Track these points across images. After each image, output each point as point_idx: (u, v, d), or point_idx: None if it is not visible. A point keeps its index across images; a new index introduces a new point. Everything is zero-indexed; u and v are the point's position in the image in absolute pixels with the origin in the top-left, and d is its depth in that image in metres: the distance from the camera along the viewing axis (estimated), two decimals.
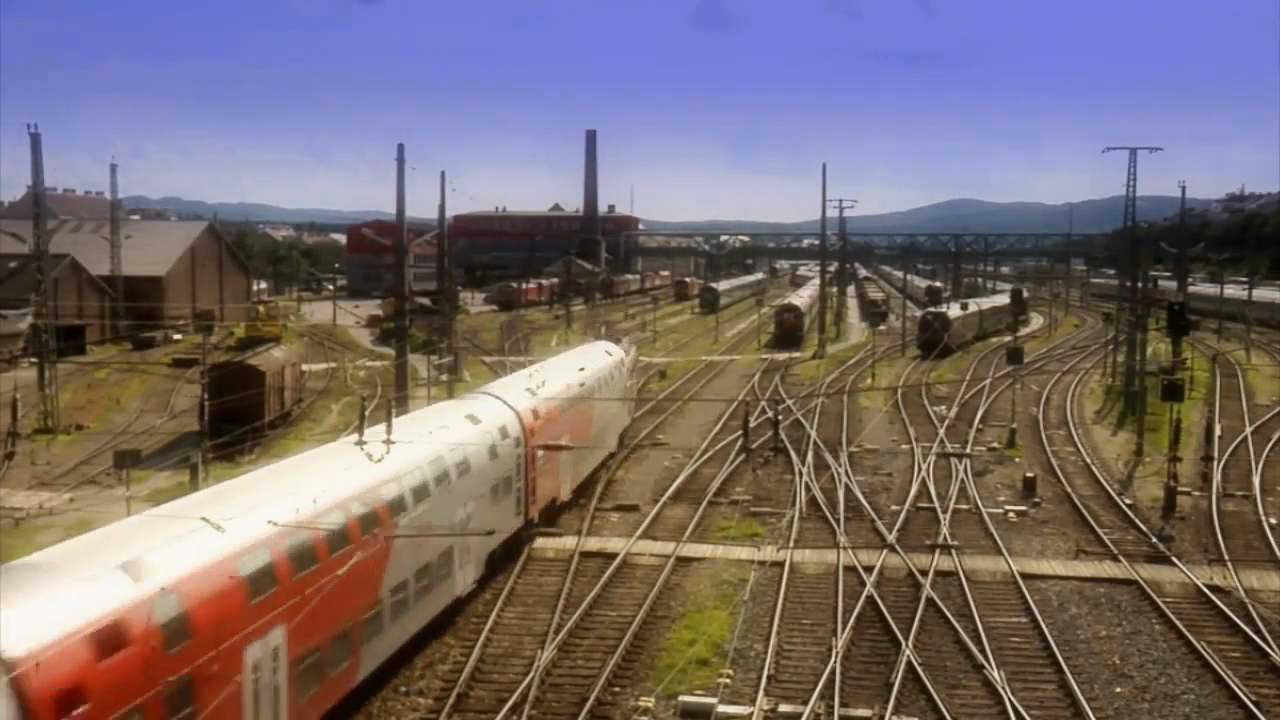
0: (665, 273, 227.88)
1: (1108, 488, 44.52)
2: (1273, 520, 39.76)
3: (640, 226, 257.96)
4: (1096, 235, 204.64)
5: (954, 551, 35.22)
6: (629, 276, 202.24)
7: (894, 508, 40.91)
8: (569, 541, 35.88)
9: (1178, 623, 29.16)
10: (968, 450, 49.88)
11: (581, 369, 44.98)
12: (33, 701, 14.46)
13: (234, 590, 18.80)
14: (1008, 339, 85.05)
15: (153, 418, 60.20)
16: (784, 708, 24.09)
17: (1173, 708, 24.70)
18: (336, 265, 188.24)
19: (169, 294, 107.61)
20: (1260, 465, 48.06)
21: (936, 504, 41.13)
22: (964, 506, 41.27)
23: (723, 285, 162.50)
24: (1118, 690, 25.61)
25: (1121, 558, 34.81)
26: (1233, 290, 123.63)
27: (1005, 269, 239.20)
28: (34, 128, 72.50)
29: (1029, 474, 44.88)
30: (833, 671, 25.64)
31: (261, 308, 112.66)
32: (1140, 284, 69.02)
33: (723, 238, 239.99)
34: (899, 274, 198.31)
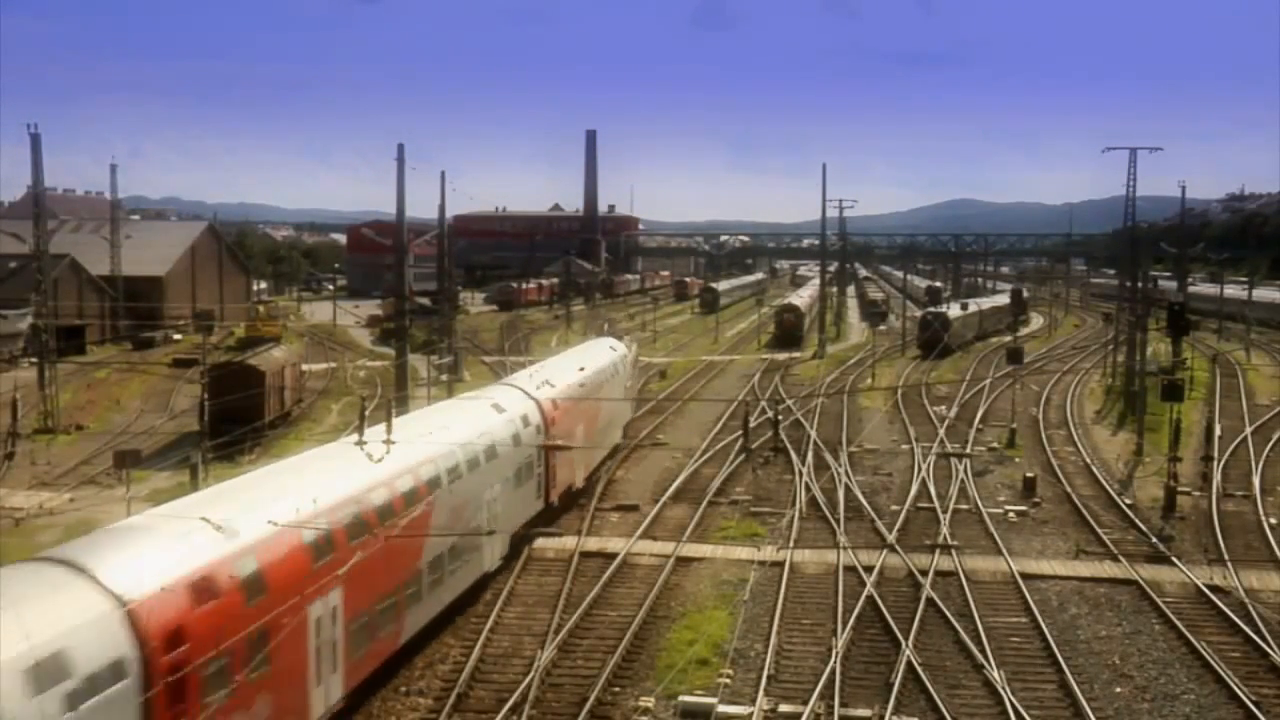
0: (665, 273, 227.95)
1: (1108, 488, 44.52)
2: (1273, 520, 39.76)
3: (640, 226, 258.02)
4: (1096, 235, 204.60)
5: (954, 551, 35.23)
6: (629, 276, 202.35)
7: (894, 508, 40.91)
8: (569, 541, 35.88)
9: (1178, 623, 29.16)
10: (968, 450, 49.90)
11: (591, 364, 46.84)
12: (145, 638, 16.50)
13: (300, 554, 20.85)
14: (1008, 339, 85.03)
15: (153, 418, 60.21)
16: (784, 708, 24.10)
17: (1173, 708, 24.71)
18: (336, 265, 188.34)
19: (169, 294, 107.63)
20: (1260, 465, 48.06)
21: (936, 504, 41.14)
22: (964, 506, 41.28)
23: (723, 285, 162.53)
24: (1118, 690, 25.61)
25: (1121, 558, 34.81)
26: (1233, 290, 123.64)
27: (1005, 269, 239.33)
28: (34, 128, 72.60)
29: (1029, 474, 44.89)
30: (833, 671, 25.64)
31: (261, 308, 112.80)
32: (1140, 284, 69.00)
33: (723, 238, 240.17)
34: (899, 274, 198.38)
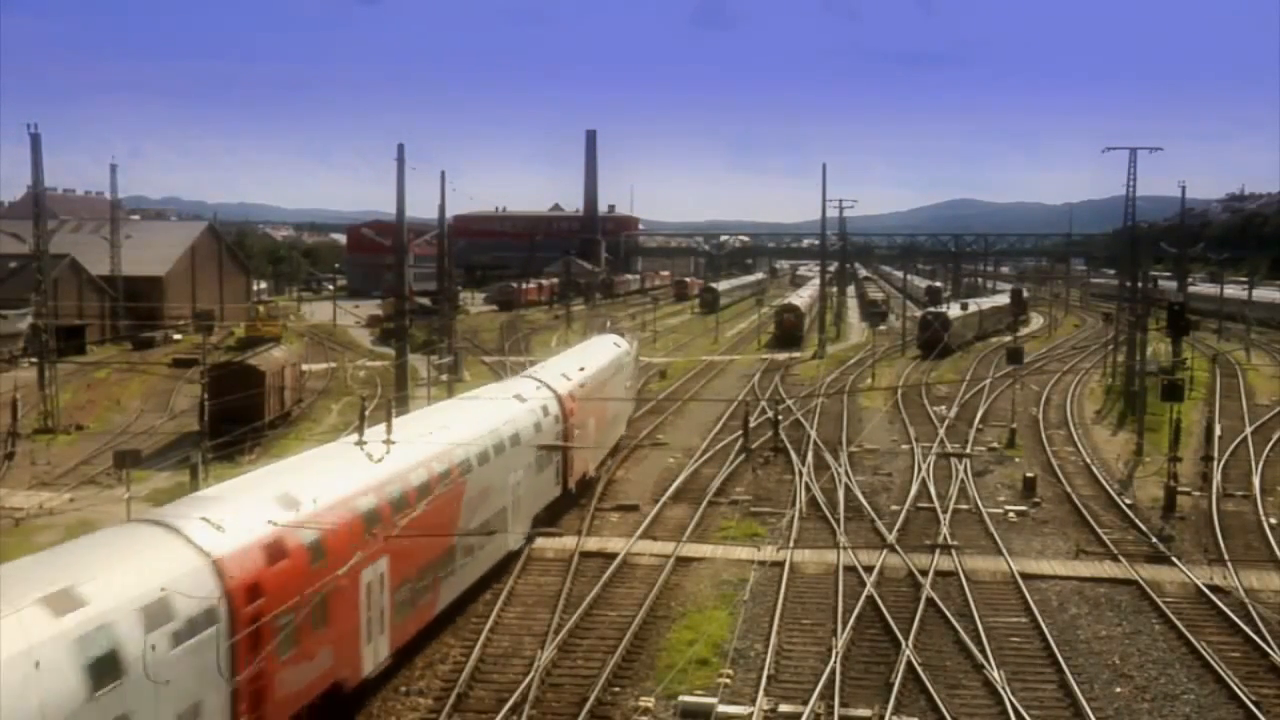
0: (665, 273, 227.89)
1: (1108, 488, 44.52)
2: (1273, 520, 39.77)
3: (640, 226, 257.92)
4: (1096, 235, 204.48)
5: (954, 551, 35.22)
6: (629, 276, 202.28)
7: (894, 508, 40.91)
8: (569, 541, 35.88)
9: (1178, 623, 29.16)
10: (968, 450, 49.89)
11: (599, 359, 48.67)
12: (230, 590, 18.77)
13: (354, 522, 22.95)
14: (1008, 339, 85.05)
15: (153, 418, 60.19)
16: (784, 708, 24.09)
17: (1173, 708, 24.70)
18: (336, 265, 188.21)
19: (169, 294, 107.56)
20: (1260, 465, 48.06)
21: (936, 504, 41.13)
22: (964, 506, 41.28)
23: (723, 285, 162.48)
24: (1118, 690, 25.61)
25: (1121, 558, 34.81)
26: (1233, 290, 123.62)
27: (1005, 269, 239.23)
28: (34, 128, 72.52)
29: (1029, 474, 44.89)
30: (833, 671, 25.64)
31: (261, 308, 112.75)
32: (1140, 284, 68.99)
33: (723, 238, 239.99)
34: (899, 274, 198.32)
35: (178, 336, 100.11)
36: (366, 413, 27.27)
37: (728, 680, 25.46)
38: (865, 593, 30.88)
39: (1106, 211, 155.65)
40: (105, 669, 15.91)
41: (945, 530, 37.61)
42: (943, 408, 62.47)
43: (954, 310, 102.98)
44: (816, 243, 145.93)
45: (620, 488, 44.62)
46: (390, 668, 25.24)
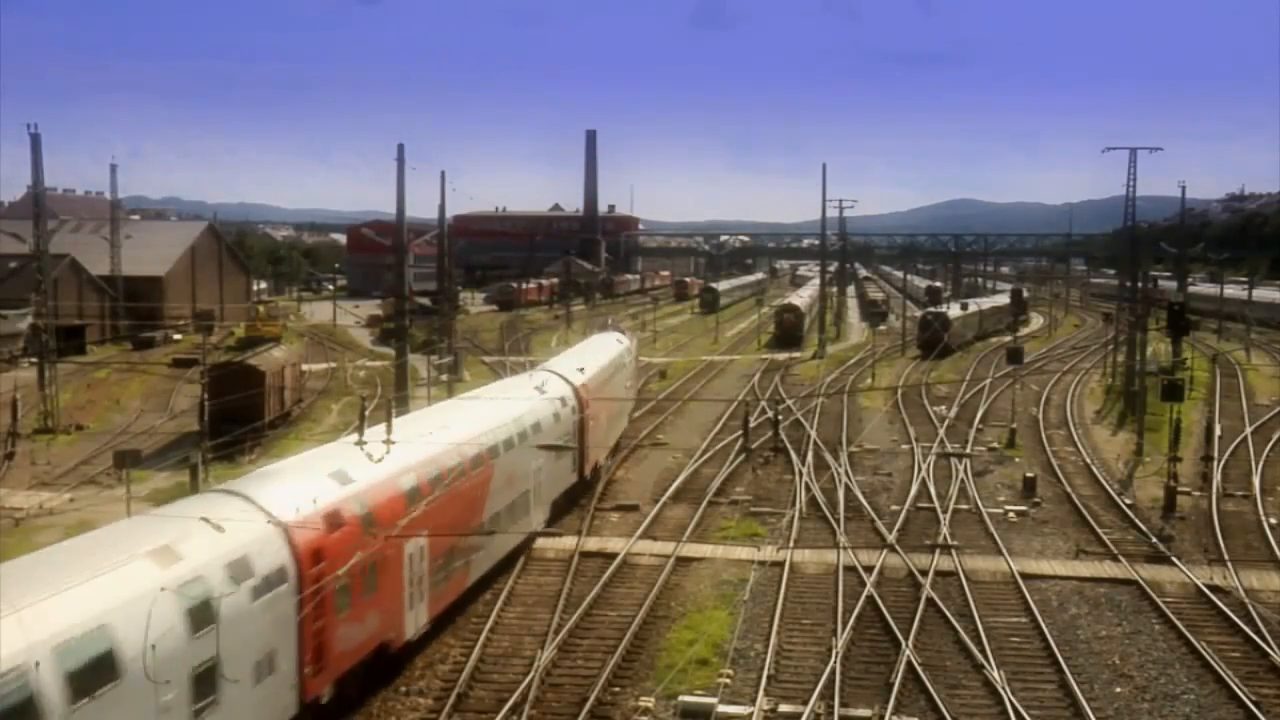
0: (665, 273, 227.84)
1: (1108, 488, 44.51)
2: (1273, 520, 39.76)
3: (640, 226, 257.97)
4: (1096, 235, 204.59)
5: (954, 551, 35.22)
6: (629, 276, 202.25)
7: (894, 508, 40.90)
8: (569, 541, 35.87)
9: (1178, 623, 29.15)
10: (968, 450, 49.90)
11: (606, 354, 50.39)
12: (298, 553, 20.85)
13: (398, 499, 25.03)
14: (1008, 339, 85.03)
15: (153, 418, 60.18)
16: (784, 708, 24.09)
17: (1173, 708, 24.70)
18: (336, 265, 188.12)
19: (169, 294, 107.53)
20: (1260, 465, 48.06)
21: (936, 504, 41.13)
22: (964, 506, 41.27)
23: (723, 285, 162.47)
24: (1118, 690, 25.61)
25: (1121, 558, 34.81)
26: (1233, 290, 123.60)
27: (1005, 269, 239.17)
28: (34, 128, 72.49)
29: (1029, 474, 44.88)
30: (833, 671, 25.63)
31: (261, 308, 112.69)
32: (1140, 284, 68.98)
33: (723, 238, 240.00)
34: (899, 274, 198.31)
35: (178, 336, 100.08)
36: (367, 413, 27.30)
37: (728, 680, 25.46)
38: (865, 593, 30.87)
39: (1106, 211, 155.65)
40: (201, 615, 18.13)
41: (945, 530, 37.61)
42: (943, 408, 62.47)
43: (954, 310, 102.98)
44: (816, 243, 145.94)
45: (620, 488, 44.61)
46: (428, 633, 27.22)
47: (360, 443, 26.21)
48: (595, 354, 49.51)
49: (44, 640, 15.19)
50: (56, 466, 48.05)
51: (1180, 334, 51.24)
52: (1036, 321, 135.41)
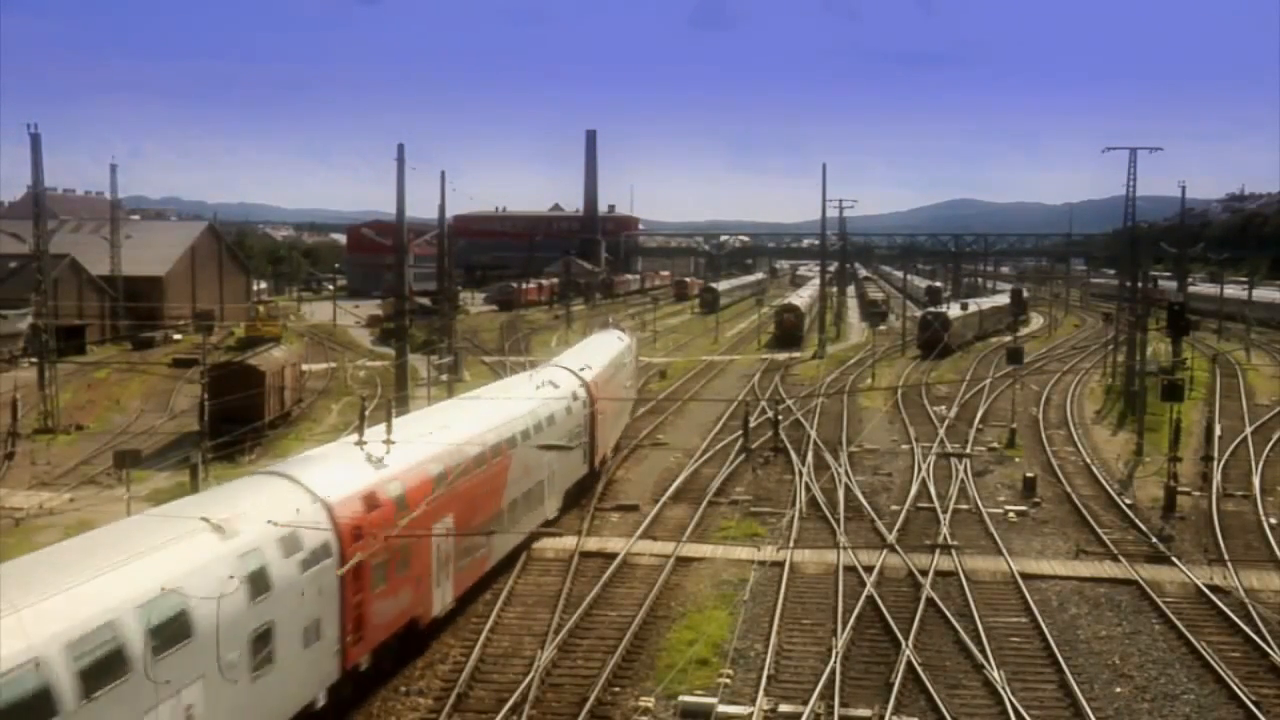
0: (665, 273, 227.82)
1: (1108, 488, 44.51)
2: (1273, 520, 39.76)
3: (640, 226, 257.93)
4: (1096, 235, 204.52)
5: (954, 551, 35.22)
6: (629, 276, 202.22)
7: (894, 508, 40.90)
8: (569, 541, 35.87)
9: (1178, 623, 29.15)
10: (968, 450, 49.90)
11: (610, 351, 51.70)
12: (340, 530, 22.34)
13: (427, 483, 26.47)
14: (1008, 339, 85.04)
15: (153, 418, 60.19)
16: (784, 708, 24.08)
17: (1173, 708, 24.70)
18: (336, 265, 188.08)
19: (169, 294, 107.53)
20: (1260, 465, 48.06)
21: (936, 504, 41.13)
22: (964, 506, 41.27)
23: (723, 285, 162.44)
24: (1118, 690, 25.61)
25: (1121, 558, 34.80)
26: (1233, 290, 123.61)
27: (1005, 269, 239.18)
28: (34, 128, 72.52)
29: (1029, 474, 44.88)
30: (833, 671, 25.63)
31: (261, 308, 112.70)
32: (1140, 284, 68.98)
33: (723, 238, 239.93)
34: (899, 274, 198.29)
35: (178, 336, 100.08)
36: (367, 413, 27.38)
37: (728, 680, 25.46)
38: (865, 593, 30.87)
39: (1106, 211, 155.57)
40: (258, 583, 19.63)
41: (945, 530, 37.60)
42: (943, 408, 62.46)
43: (954, 310, 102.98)
44: (816, 243, 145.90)
45: (620, 487, 44.61)
46: (453, 610, 28.73)
47: (360, 443, 26.26)
48: (600, 351, 50.72)
49: (129, 599, 16.79)
50: (56, 466, 48.05)
51: (1180, 334, 51.25)
52: (1036, 321, 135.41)
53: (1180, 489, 42.41)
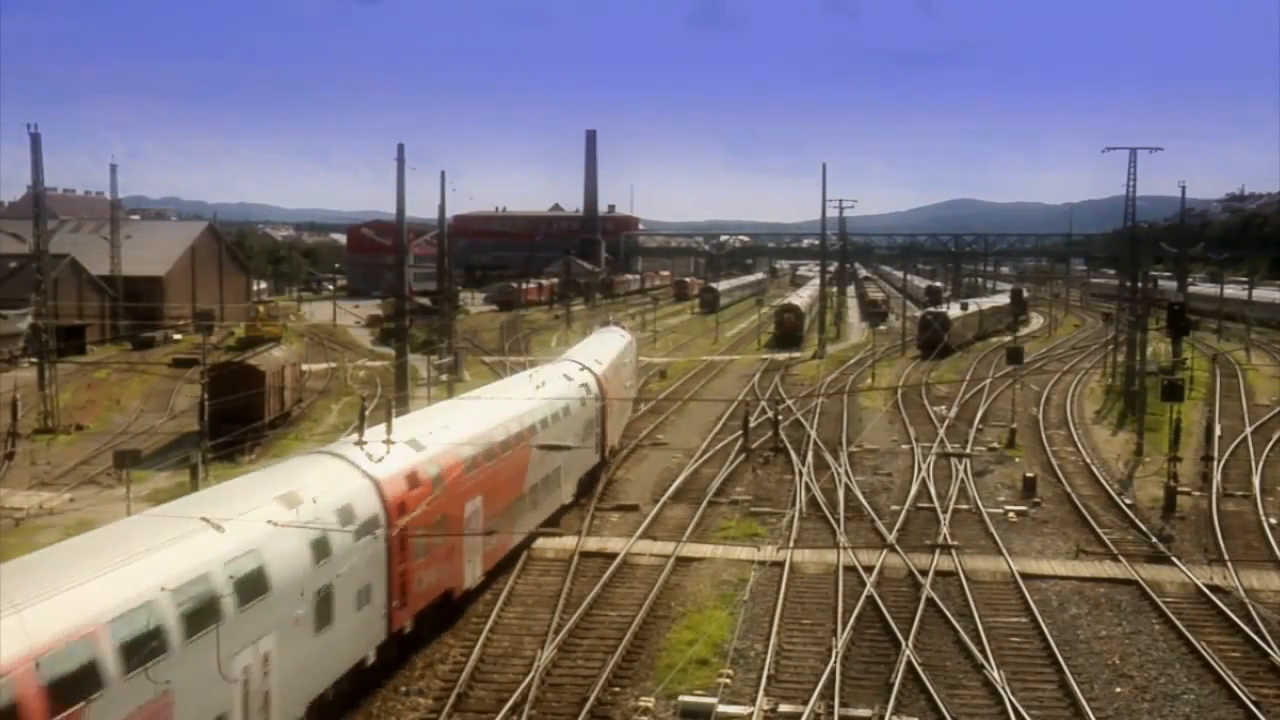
0: (665, 273, 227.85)
1: (1108, 488, 44.51)
2: (1273, 520, 39.76)
3: (640, 226, 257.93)
4: (1096, 235, 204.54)
5: (954, 551, 35.22)
6: (629, 276, 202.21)
7: (894, 508, 40.90)
8: (569, 541, 35.88)
9: (1178, 623, 29.15)
10: (968, 450, 49.89)
11: (614, 346, 53.46)
12: (387, 505, 24.41)
13: (460, 465, 28.60)
14: (1008, 339, 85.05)
15: (153, 418, 60.20)
16: (784, 708, 24.09)
17: (1173, 708, 24.70)
18: (336, 265, 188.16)
19: (169, 294, 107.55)
20: (1260, 465, 48.06)
21: (936, 504, 41.13)
22: (964, 506, 41.27)
23: (723, 285, 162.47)
24: (1118, 690, 25.61)
25: (1121, 558, 34.81)
26: (1233, 290, 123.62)
27: (1005, 269, 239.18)
28: (34, 128, 72.59)
29: (1029, 474, 44.88)
30: (833, 671, 25.63)
31: (261, 308, 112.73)
32: (1140, 284, 68.98)
33: (723, 238, 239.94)
34: (899, 274, 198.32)
35: (178, 336, 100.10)
36: (367, 413, 27.47)
37: (728, 680, 25.46)
38: (865, 593, 30.87)
39: (1106, 211, 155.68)
40: (320, 548, 21.54)
41: (945, 530, 37.61)
42: (943, 408, 62.46)
43: (954, 310, 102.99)
44: (816, 243, 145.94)
45: (620, 487, 44.61)
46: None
47: (360, 443, 26.31)
48: (606, 347, 52.57)
49: (219, 557, 18.91)
50: (56, 466, 48.05)
51: (1180, 334, 51.22)
52: (1036, 321, 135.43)
53: (1180, 489, 42.41)
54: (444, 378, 59.18)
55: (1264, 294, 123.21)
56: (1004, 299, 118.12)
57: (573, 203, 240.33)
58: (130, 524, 20.20)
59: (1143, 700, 25.07)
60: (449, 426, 30.04)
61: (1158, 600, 30.89)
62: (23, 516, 39.22)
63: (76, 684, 15.12)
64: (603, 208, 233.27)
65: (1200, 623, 29.49)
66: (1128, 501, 42.25)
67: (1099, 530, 38.10)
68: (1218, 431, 51.13)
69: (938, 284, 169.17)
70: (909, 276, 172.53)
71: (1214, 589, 31.72)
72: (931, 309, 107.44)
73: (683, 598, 31.35)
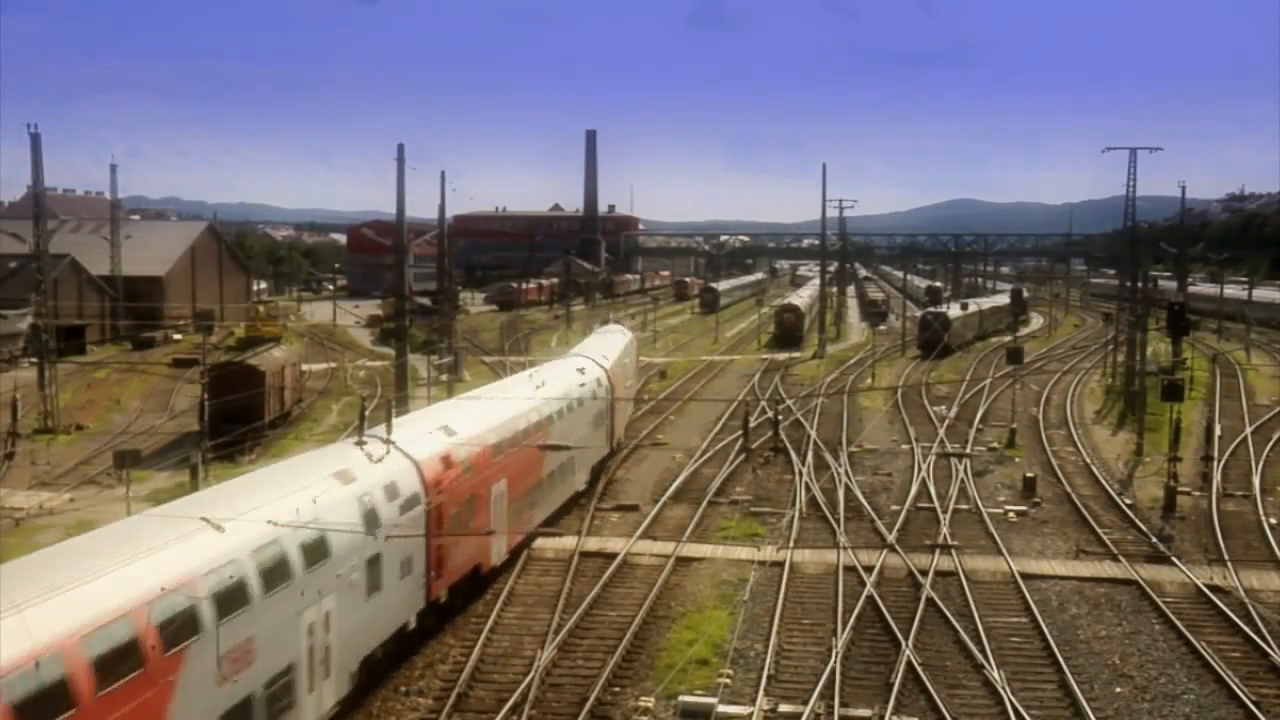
0: (665, 273, 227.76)
1: (1108, 488, 44.51)
2: (1273, 520, 39.76)
3: (640, 226, 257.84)
4: (1096, 235, 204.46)
5: (954, 551, 35.22)
6: (629, 276, 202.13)
7: (894, 508, 40.90)
8: (569, 541, 35.88)
9: (1178, 623, 29.15)
10: (968, 450, 49.89)
11: (618, 343, 54.76)
12: (426, 483, 26.64)
13: (487, 450, 30.93)
14: (1008, 339, 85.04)
15: (153, 418, 60.19)
16: (784, 708, 24.09)
17: (1173, 708, 24.70)
18: (336, 265, 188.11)
19: (169, 294, 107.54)
20: (1260, 465, 48.06)
21: (936, 504, 41.13)
22: (964, 506, 41.27)
23: (723, 285, 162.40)
24: (1118, 690, 25.61)
25: (1121, 558, 34.81)
26: (1233, 290, 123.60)
27: (1005, 269, 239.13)
28: (34, 128, 72.66)
29: (1029, 474, 44.88)
30: (833, 671, 25.64)
31: (261, 308, 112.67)
32: (1140, 284, 68.98)
33: (723, 238, 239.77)
34: (899, 274, 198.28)
35: (178, 336, 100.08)
36: (367, 412, 27.59)
37: (728, 680, 25.46)
38: (865, 593, 30.87)
39: (1107, 211, 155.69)
40: (371, 519, 23.54)
41: (945, 530, 37.60)
42: (943, 408, 62.46)
43: (954, 310, 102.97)
44: (816, 243, 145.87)
45: (620, 487, 44.61)
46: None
47: (360, 443, 26.37)
48: (611, 344, 54.00)
49: (290, 520, 20.92)
50: (56, 466, 48.05)
51: (1180, 334, 51.22)
52: (1036, 321, 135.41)
53: (1180, 489, 42.41)
54: (444, 378, 59.19)
55: (1264, 294, 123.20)
56: (1004, 299, 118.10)
57: (573, 203, 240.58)
58: (210, 495, 22.57)
59: (1143, 700, 25.07)
60: (477, 417, 32.19)
61: (1158, 600, 30.89)
62: (23, 516, 39.22)
63: (182, 627, 17.56)
64: (603, 208, 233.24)
65: (1200, 623, 29.49)
66: (1128, 501, 42.25)
67: (1099, 530, 38.10)
68: (1218, 431, 51.14)
69: (938, 284, 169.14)
70: (909, 276, 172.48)
71: (1214, 589, 31.72)
72: (931, 309, 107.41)
73: (683, 598, 31.36)
